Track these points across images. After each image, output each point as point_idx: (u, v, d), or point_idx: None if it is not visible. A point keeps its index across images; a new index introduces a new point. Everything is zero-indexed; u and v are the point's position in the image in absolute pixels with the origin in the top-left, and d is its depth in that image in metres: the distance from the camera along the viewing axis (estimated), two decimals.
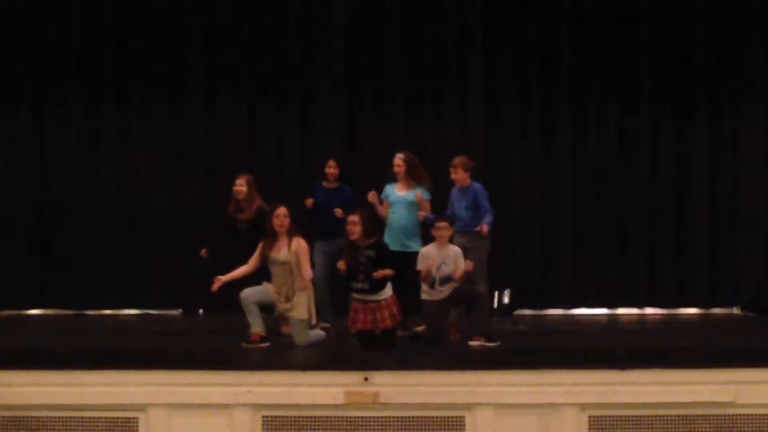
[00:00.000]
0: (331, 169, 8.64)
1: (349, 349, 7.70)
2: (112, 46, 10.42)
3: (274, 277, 7.66)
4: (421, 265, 7.69)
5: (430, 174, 8.64)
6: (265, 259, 7.68)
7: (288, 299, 7.61)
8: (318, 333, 7.82)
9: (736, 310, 10.72)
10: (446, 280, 7.68)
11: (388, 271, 7.60)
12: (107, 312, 10.48)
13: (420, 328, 7.95)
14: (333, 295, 8.63)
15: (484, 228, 8.05)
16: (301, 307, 7.64)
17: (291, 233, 7.66)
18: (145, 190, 10.47)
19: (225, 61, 10.46)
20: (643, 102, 10.57)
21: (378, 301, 7.59)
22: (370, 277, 7.52)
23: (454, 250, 7.77)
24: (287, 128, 10.51)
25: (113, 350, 7.77)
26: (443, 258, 7.69)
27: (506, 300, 10.28)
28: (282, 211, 7.68)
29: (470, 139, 10.33)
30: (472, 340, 7.70)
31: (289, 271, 7.61)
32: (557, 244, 10.62)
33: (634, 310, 10.66)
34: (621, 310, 10.67)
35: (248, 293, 7.63)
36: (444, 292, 7.70)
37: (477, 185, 8.39)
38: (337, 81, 10.47)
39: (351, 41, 10.51)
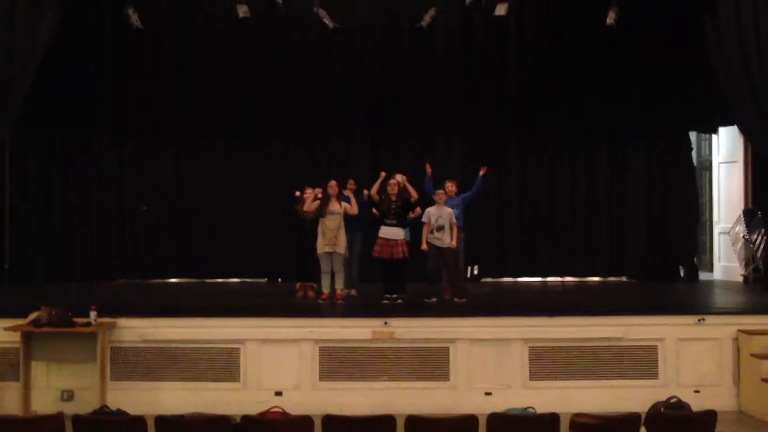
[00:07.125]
0: (352, 185, 10.60)
1: (374, 304, 9.27)
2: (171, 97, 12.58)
3: (326, 226, 9.62)
4: (425, 218, 9.60)
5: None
6: (320, 213, 9.71)
7: (334, 242, 9.70)
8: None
9: (624, 278, 12.81)
10: (440, 228, 9.50)
11: (418, 210, 9.60)
12: (219, 280, 12.59)
13: (429, 299, 9.53)
14: (359, 270, 10.59)
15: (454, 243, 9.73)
16: (342, 245, 9.77)
17: (338, 196, 9.77)
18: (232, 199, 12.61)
19: (281, 110, 12.64)
20: (564, 142, 12.71)
21: (396, 241, 9.51)
22: (398, 218, 9.46)
23: (447, 210, 9.67)
24: (328, 159, 12.69)
25: (223, 304, 9.55)
26: (440, 214, 9.61)
27: (475, 272, 12.28)
28: (333, 182, 9.83)
29: (453, 167, 12.34)
30: (445, 294, 9.48)
31: (339, 220, 9.71)
32: (509, 233, 12.71)
33: (558, 279, 12.69)
34: (549, 279, 12.79)
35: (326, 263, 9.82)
36: (439, 240, 9.54)
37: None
38: (365, 126, 12.74)
39: (375, 96, 12.69)
